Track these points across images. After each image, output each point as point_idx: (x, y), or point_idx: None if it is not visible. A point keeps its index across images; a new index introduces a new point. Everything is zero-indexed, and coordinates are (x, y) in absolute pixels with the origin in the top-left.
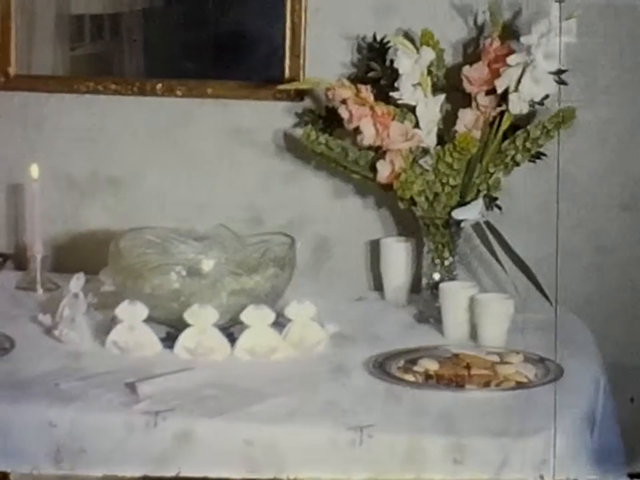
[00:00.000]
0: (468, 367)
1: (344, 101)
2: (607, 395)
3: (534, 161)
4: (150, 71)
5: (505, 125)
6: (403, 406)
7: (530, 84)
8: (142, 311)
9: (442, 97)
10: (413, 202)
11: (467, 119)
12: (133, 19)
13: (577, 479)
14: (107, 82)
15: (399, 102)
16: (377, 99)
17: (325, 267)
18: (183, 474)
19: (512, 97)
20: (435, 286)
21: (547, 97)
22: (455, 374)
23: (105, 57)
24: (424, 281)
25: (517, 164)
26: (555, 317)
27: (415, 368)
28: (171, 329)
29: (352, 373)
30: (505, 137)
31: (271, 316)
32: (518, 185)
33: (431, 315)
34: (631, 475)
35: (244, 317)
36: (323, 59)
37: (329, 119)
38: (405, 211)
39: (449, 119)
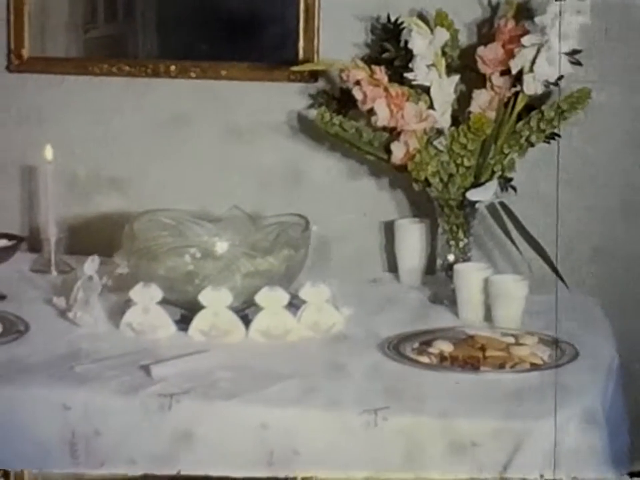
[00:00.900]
0: (483, 348)
1: (358, 82)
2: (620, 376)
3: (548, 142)
4: (163, 53)
5: (520, 105)
6: (418, 388)
7: (544, 64)
8: (156, 293)
9: (456, 77)
10: (427, 183)
11: (481, 100)
12: (146, 0)
13: (577, 478)
14: (120, 64)
15: (413, 83)
16: (391, 79)
17: (339, 248)
18: (199, 456)
19: (526, 77)
20: (449, 267)
21: (561, 77)
22: (469, 355)
23: (119, 38)
24: (438, 262)
25: (532, 145)
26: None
27: (430, 349)
28: (185, 311)
29: (366, 354)
30: (519, 118)
31: (286, 298)
32: (532, 165)
33: (445, 296)
34: (631, 474)
35: (258, 298)
36: (337, 40)
37: (343, 100)
38: (420, 192)
39: (463, 100)
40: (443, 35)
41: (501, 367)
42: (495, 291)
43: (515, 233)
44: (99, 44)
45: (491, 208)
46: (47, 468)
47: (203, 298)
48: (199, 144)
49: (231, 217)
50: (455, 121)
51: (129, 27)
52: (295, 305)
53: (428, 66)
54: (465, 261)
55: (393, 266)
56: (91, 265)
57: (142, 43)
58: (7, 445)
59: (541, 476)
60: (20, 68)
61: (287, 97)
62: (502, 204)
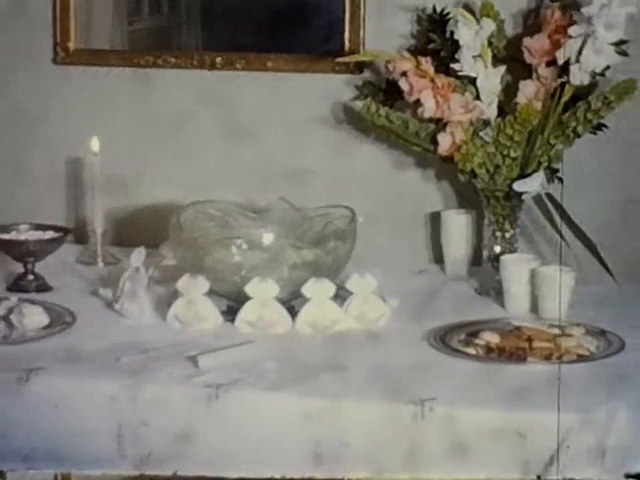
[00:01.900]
0: (529, 339)
1: (404, 73)
2: None
3: (595, 133)
4: (209, 45)
5: (566, 96)
6: (465, 379)
7: (591, 55)
8: (203, 284)
9: (502, 68)
10: (473, 174)
11: (527, 91)
12: None
13: (576, 479)
14: (166, 56)
15: (460, 74)
16: (437, 70)
17: (385, 239)
18: (246, 447)
19: (573, 68)
20: (495, 258)
21: (608, 67)
22: (516, 347)
23: (164, 30)
24: (485, 254)
25: (578, 135)
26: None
27: (476, 341)
28: (232, 303)
29: (413, 346)
30: (565, 109)
31: (332, 289)
32: (579, 156)
33: (491, 287)
34: (628, 476)
35: (305, 290)
36: (383, 31)
37: (388, 92)
38: (466, 183)
39: (509, 91)
40: (489, 25)
41: (548, 358)
42: (541, 282)
43: (561, 224)
44: (144, 36)
45: (538, 199)
46: (93, 458)
47: (249, 289)
48: (244, 135)
49: (277, 208)
50: (501, 112)
51: (174, 19)
52: (341, 296)
53: (474, 57)
54: (511, 252)
55: (439, 257)
56: (137, 256)
57: (187, 35)
58: (53, 437)
59: (539, 477)
60: (66, 60)
61: (332, 88)
62: (548, 195)
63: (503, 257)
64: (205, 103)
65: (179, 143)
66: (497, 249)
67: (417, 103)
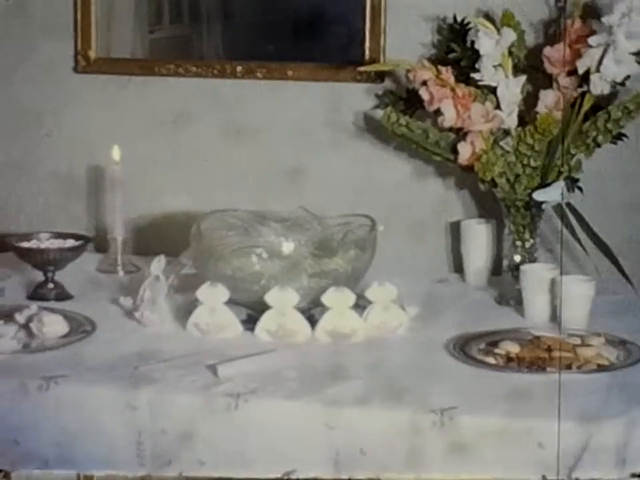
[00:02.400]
0: (549, 349)
1: (424, 83)
2: None
3: (615, 142)
4: (229, 54)
5: (586, 105)
6: (484, 388)
7: (611, 64)
8: (223, 293)
9: (523, 77)
10: (493, 183)
11: (548, 100)
12: (212, 1)
13: (577, 479)
14: (187, 64)
15: (480, 83)
16: (457, 80)
17: (406, 248)
18: (266, 456)
19: (593, 77)
20: (515, 268)
21: (628, 77)
22: (536, 356)
23: (184, 39)
24: (505, 263)
25: (598, 145)
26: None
27: (496, 350)
28: (252, 311)
29: (433, 355)
30: (586, 118)
31: (352, 298)
32: (599, 166)
33: (511, 297)
34: (634, 475)
35: (325, 299)
36: (403, 40)
37: (409, 101)
38: (486, 193)
39: (529, 100)
40: (509, 35)
41: (568, 367)
42: (561, 292)
43: (581, 234)
44: (165, 45)
45: (558, 208)
46: (113, 468)
47: (269, 298)
48: (264, 145)
49: (297, 217)
50: (522, 121)
51: (195, 28)
52: (361, 305)
53: (494, 66)
54: (531, 261)
55: (459, 266)
56: (157, 264)
57: (207, 44)
58: (73, 445)
59: (544, 477)
60: (87, 69)
61: (353, 97)
62: (568, 204)
63: (523, 267)
64: (224, 112)
65: (200, 151)
66: (517, 258)
67: (438, 112)
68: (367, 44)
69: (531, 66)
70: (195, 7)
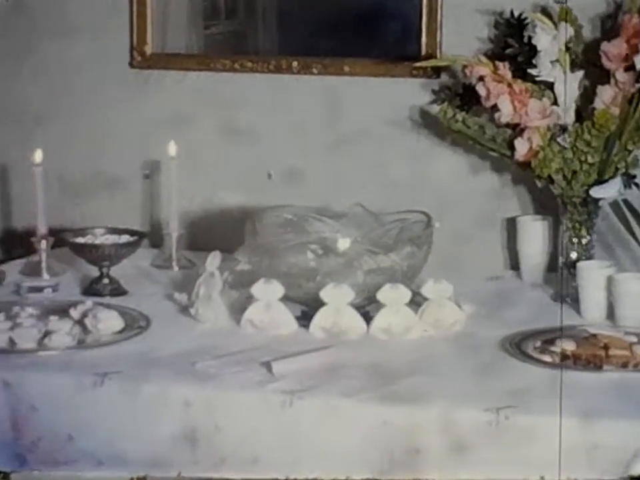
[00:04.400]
0: (605, 347)
1: (481, 78)
2: None
3: None
4: (285, 49)
5: None
6: (540, 387)
7: None
8: (278, 289)
9: (580, 73)
10: (550, 180)
11: (605, 96)
12: None
13: (577, 479)
14: (243, 60)
15: (537, 79)
16: (514, 75)
17: (462, 245)
18: (320, 454)
19: None
20: (572, 265)
21: None
22: (592, 354)
23: (240, 35)
24: (561, 260)
25: None
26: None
27: (552, 348)
28: (307, 308)
29: (488, 352)
30: None
31: (407, 295)
32: None
33: (568, 294)
34: (633, 478)
35: (380, 295)
36: (460, 35)
37: (465, 96)
38: (542, 189)
39: (587, 96)
40: (567, 30)
41: (624, 366)
42: (618, 289)
43: (639, 230)
44: (220, 40)
45: (615, 205)
46: (166, 464)
47: (324, 294)
48: (324, 141)
49: (353, 213)
50: (579, 117)
51: (250, 23)
52: (416, 302)
53: (552, 62)
54: (588, 258)
55: (515, 263)
56: (212, 260)
57: (263, 39)
58: (127, 441)
59: (542, 478)
60: (142, 64)
61: (409, 93)
62: (625, 201)
63: (579, 264)
64: (282, 108)
65: (257, 147)
66: (574, 255)
67: (494, 107)
68: (424, 39)
69: (588, 61)
70: (250, 3)
